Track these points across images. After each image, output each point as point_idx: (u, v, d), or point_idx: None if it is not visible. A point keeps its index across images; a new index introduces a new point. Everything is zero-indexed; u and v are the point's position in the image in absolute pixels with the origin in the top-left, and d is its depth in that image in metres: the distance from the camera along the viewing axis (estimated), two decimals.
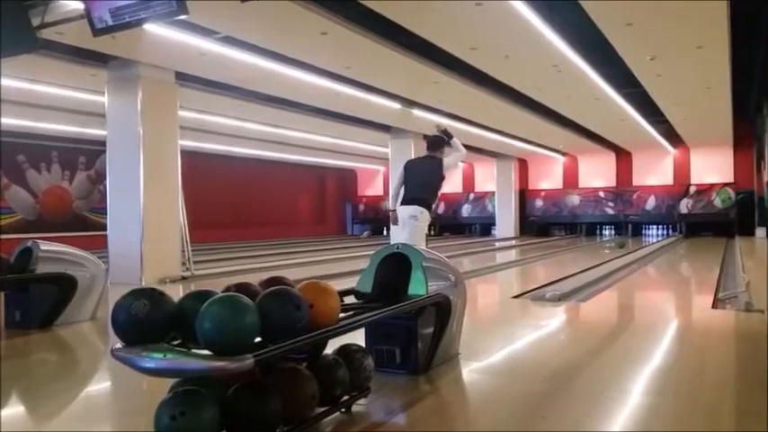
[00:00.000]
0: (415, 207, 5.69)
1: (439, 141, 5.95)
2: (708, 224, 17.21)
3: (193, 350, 1.98)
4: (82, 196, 14.41)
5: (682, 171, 17.74)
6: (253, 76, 8.45)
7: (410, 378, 3.01)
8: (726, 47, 7.58)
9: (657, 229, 18.24)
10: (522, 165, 19.85)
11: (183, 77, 8.12)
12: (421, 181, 5.79)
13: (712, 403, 2.72)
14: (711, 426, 2.44)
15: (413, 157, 6.15)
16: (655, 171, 18.02)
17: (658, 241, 15.82)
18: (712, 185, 17.19)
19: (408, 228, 5.73)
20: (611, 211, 18.64)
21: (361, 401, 2.57)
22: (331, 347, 2.50)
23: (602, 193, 18.75)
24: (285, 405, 2.08)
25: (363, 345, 2.88)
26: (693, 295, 6.98)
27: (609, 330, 4.81)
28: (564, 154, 19.00)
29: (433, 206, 5.88)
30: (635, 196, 18.22)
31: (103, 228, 8.03)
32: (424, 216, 5.69)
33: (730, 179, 16.96)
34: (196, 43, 6.84)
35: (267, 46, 7.26)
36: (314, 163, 19.71)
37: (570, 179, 19.39)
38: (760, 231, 15.23)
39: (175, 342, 2.09)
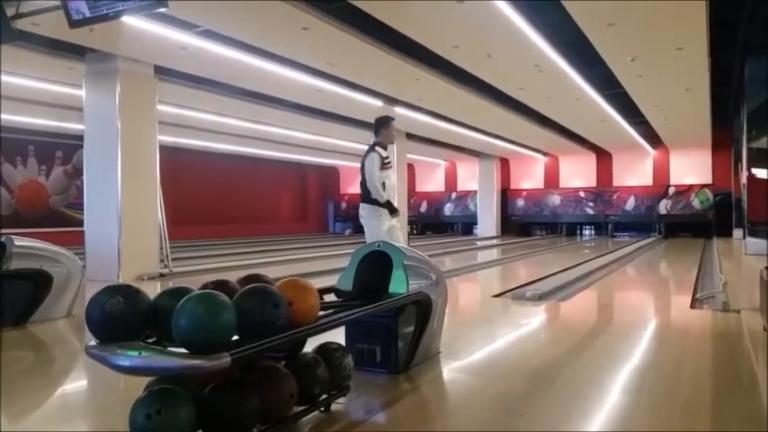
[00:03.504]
0: (361, 205, 5.56)
1: (378, 123, 5.65)
2: (686, 225, 17.43)
3: (169, 348, 1.94)
4: (59, 191, 14.20)
5: (661, 172, 17.94)
6: (233, 71, 8.37)
7: (390, 377, 2.99)
8: (704, 49, 7.66)
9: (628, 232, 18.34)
10: (504, 164, 19.96)
11: (162, 71, 8.03)
12: (361, 175, 5.62)
13: (689, 401, 2.74)
14: (688, 424, 2.45)
15: (395, 154, 5.98)
16: (635, 172, 18.21)
17: (623, 243, 15.99)
18: (691, 187, 17.41)
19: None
20: (591, 212, 18.81)
21: (341, 400, 2.55)
22: (310, 346, 2.48)
23: (582, 194, 18.91)
24: (263, 404, 2.05)
25: (343, 343, 2.86)
26: (672, 295, 7.05)
27: (588, 330, 4.83)
28: (545, 154, 19.13)
29: (380, 199, 5.41)
30: (615, 197, 18.40)
31: (80, 224, 7.92)
32: (365, 213, 5.46)
33: (709, 180, 17.19)
34: (176, 37, 6.75)
35: (248, 40, 7.19)
36: (295, 160, 19.62)
37: (551, 179, 19.52)
38: (737, 232, 15.46)
39: (151, 340, 2.05)
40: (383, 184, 5.37)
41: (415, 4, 6.05)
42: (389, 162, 5.49)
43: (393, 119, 5.75)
